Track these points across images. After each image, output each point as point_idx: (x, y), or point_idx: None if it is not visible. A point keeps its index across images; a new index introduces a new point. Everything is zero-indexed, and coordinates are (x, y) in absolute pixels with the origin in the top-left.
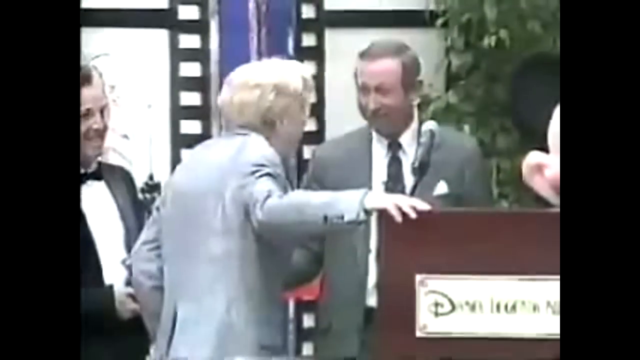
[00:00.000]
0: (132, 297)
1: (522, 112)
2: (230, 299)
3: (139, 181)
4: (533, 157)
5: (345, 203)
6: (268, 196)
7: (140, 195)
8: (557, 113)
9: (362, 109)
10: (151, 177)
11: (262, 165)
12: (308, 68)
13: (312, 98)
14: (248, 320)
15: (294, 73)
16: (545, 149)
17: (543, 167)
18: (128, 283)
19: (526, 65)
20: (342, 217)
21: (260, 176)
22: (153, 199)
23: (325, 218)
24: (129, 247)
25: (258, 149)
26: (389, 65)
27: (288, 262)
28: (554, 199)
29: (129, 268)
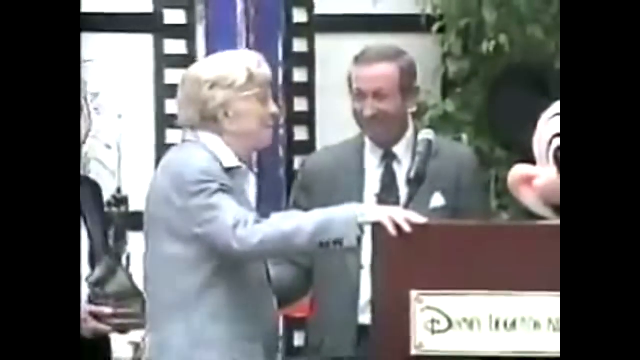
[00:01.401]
0: (94, 315)
1: (499, 123)
2: (188, 311)
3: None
4: (519, 169)
5: (340, 225)
6: (236, 225)
7: (106, 209)
8: (542, 123)
9: (357, 116)
10: (119, 190)
11: (205, 182)
12: (258, 58)
13: (266, 89)
14: (213, 335)
15: (236, 65)
16: (529, 160)
17: (531, 179)
18: (90, 300)
19: (502, 76)
20: (341, 242)
21: (209, 195)
22: (120, 214)
23: (322, 244)
24: (92, 264)
25: (193, 161)
26: (386, 70)
27: (261, 273)
28: (543, 211)
29: (92, 285)
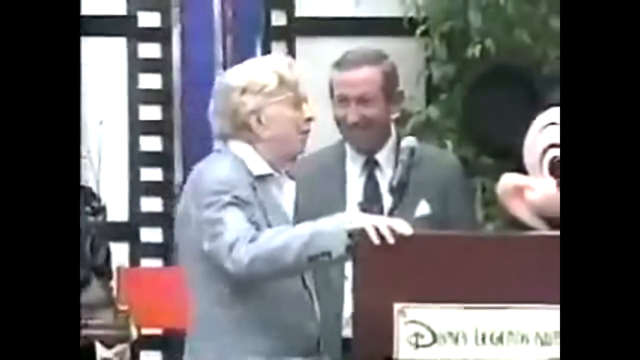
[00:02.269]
0: None
1: (479, 128)
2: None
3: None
4: (510, 180)
5: (327, 237)
6: (233, 245)
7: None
8: (534, 131)
9: (340, 122)
10: (97, 199)
11: (219, 193)
12: (289, 61)
13: (299, 93)
14: (242, 351)
15: (266, 70)
16: (517, 169)
17: (522, 190)
18: None
19: (482, 78)
20: (329, 254)
21: (219, 209)
22: (97, 224)
23: (310, 259)
24: None
25: (213, 171)
26: (371, 74)
27: (297, 286)
28: (534, 223)
29: None
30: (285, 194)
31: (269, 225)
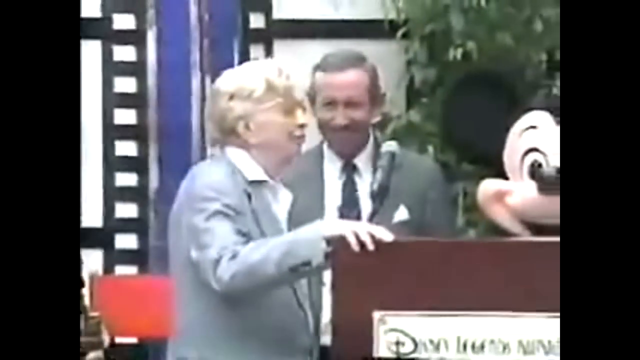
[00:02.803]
0: None
1: (459, 133)
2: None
3: None
4: (490, 185)
5: (306, 245)
6: (217, 262)
7: None
8: (514, 136)
9: (324, 126)
10: None
11: (209, 200)
12: (279, 67)
13: (291, 99)
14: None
15: (254, 75)
16: (498, 174)
17: (503, 195)
18: None
19: (461, 83)
20: (310, 264)
21: (208, 217)
22: None
23: (291, 269)
24: None
25: (205, 176)
26: (358, 77)
27: (288, 298)
28: (515, 228)
29: None
30: (281, 202)
31: (263, 234)
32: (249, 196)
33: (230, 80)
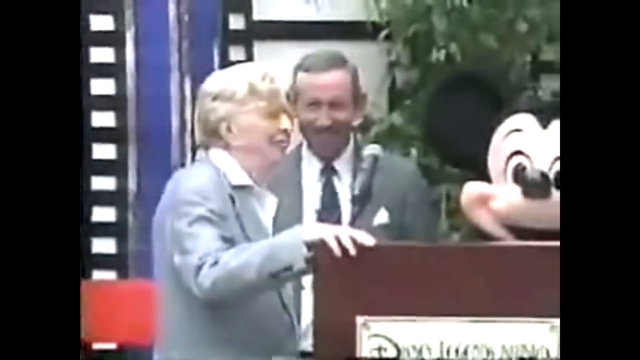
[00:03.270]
0: None
1: (442, 136)
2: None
3: None
4: (473, 188)
5: (286, 250)
6: (199, 268)
7: None
8: (498, 139)
9: (308, 127)
10: None
11: (192, 204)
12: (264, 71)
13: (274, 103)
14: None
15: (238, 78)
16: (481, 177)
17: (487, 199)
18: None
19: (444, 85)
20: (291, 269)
21: (191, 222)
22: None
23: (272, 275)
24: None
25: (189, 180)
26: (342, 77)
27: (274, 302)
28: (499, 232)
29: None
30: (266, 207)
31: (248, 240)
32: (233, 201)
33: (215, 81)
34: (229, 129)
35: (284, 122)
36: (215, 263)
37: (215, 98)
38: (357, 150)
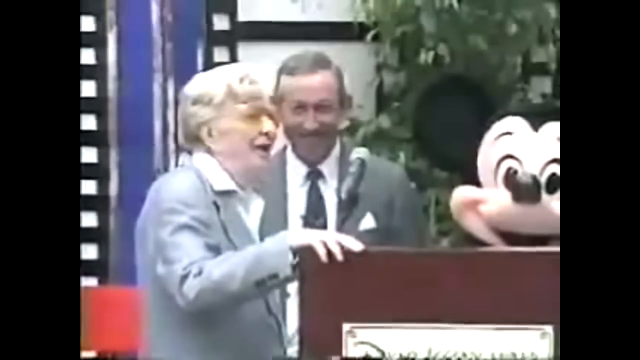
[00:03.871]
0: None
1: (431, 139)
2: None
3: None
4: (463, 193)
5: (271, 258)
6: (184, 279)
7: None
8: (488, 143)
9: (293, 130)
10: None
11: (175, 212)
12: (243, 73)
13: (254, 106)
14: None
15: (216, 81)
16: (471, 181)
17: (476, 203)
18: None
19: (433, 88)
20: (277, 277)
21: (174, 231)
22: None
23: (258, 283)
24: None
25: (171, 187)
26: (327, 79)
27: (260, 310)
28: (489, 237)
29: None
30: (252, 213)
31: (233, 246)
32: (217, 207)
33: (195, 85)
34: (209, 133)
35: (266, 125)
36: (200, 273)
37: (195, 102)
38: (344, 154)
